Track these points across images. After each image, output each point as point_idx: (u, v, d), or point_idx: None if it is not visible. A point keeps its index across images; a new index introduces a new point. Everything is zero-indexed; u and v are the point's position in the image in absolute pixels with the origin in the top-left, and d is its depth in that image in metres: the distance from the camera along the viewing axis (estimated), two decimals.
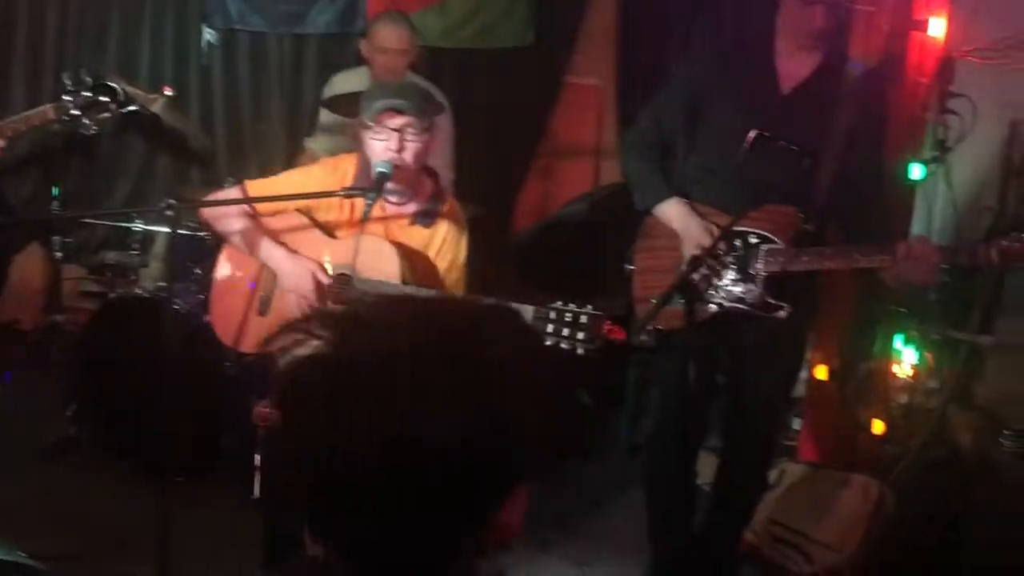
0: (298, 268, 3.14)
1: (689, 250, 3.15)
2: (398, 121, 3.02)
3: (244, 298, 3.28)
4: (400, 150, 3.02)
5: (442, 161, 4.65)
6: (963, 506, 3.42)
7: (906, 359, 4.08)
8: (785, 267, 3.07)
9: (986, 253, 2.91)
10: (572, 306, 2.82)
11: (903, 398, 4.11)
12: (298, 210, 3.24)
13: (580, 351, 2.84)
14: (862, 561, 3.60)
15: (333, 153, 4.55)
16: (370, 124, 3.04)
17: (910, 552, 3.60)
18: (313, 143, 4.86)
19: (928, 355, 4.04)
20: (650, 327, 2.88)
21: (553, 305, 2.84)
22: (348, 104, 4.38)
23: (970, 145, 3.88)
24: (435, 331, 1.09)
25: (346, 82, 4.69)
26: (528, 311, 2.91)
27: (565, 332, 2.82)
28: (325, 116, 4.81)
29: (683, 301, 2.92)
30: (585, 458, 4.60)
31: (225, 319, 3.32)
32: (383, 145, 3.02)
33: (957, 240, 3.88)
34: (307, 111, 5.32)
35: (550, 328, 2.84)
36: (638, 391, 4.62)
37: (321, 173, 3.25)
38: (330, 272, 3.16)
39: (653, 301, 2.96)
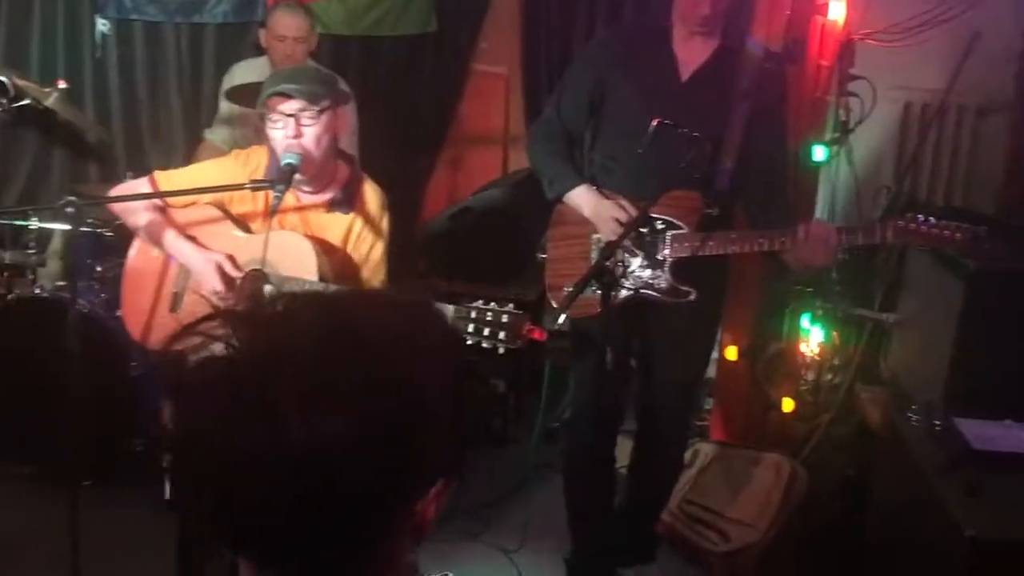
0: (204, 262, 3.07)
1: (605, 233, 3.16)
2: (291, 106, 2.96)
3: (155, 293, 3.19)
4: (297, 136, 2.95)
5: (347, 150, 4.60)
6: (869, 480, 3.51)
7: (813, 338, 4.17)
8: (691, 252, 3.11)
9: (882, 233, 2.98)
10: (493, 305, 2.83)
11: (811, 376, 4.21)
12: (211, 203, 3.16)
13: (501, 350, 2.85)
14: (776, 537, 3.67)
15: (233, 145, 4.49)
16: (266, 112, 2.99)
17: (821, 526, 3.69)
18: (212, 134, 4.77)
19: (834, 333, 4.14)
20: (565, 315, 2.88)
21: (474, 304, 2.84)
22: (247, 95, 4.29)
23: (869, 126, 3.98)
24: (340, 328, 1.06)
25: (245, 72, 4.60)
26: (449, 310, 2.90)
27: (486, 331, 2.82)
28: (225, 107, 4.72)
29: (597, 289, 2.92)
30: (501, 445, 4.62)
31: (135, 313, 3.23)
32: (281, 133, 2.97)
33: (857, 220, 3.98)
34: (206, 102, 5.20)
35: (471, 328, 2.83)
36: (553, 377, 4.63)
37: (233, 165, 3.17)
38: (242, 266, 3.10)
39: (567, 289, 2.97)
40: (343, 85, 4.41)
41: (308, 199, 3.14)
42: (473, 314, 2.83)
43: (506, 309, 2.81)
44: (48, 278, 4.34)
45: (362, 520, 1.04)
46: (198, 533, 3.29)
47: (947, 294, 3.35)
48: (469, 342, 2.85)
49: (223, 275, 3.06)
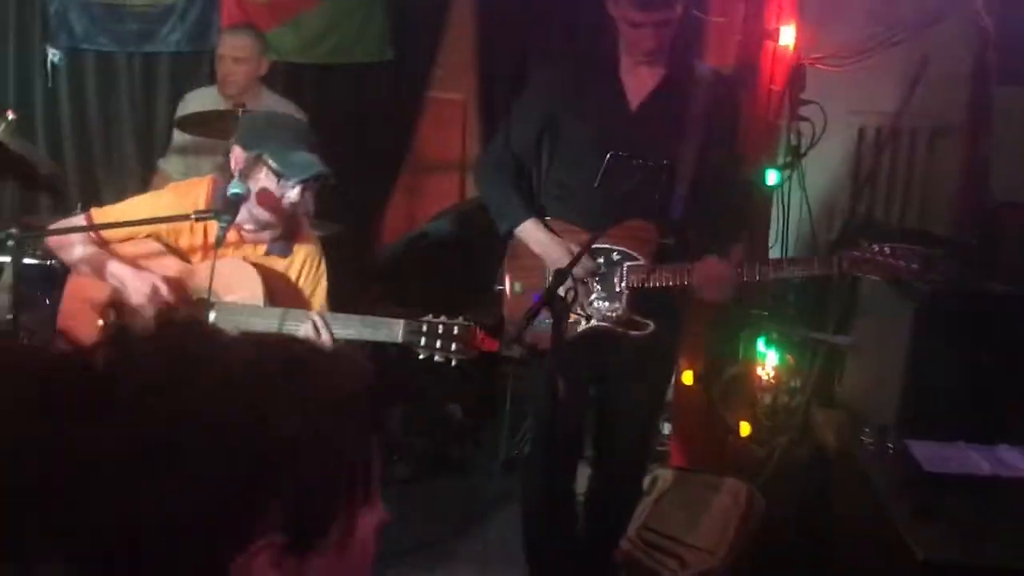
0: (138, 280, 3.02)
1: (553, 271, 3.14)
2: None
3: (93, 326, 3.13)
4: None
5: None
6: (826, 503, 3.50)
7: (769, 361, 4.17)
8: (646, 283, 3.09)
9: (839, 265, 2.97)
10: (443, 317, 2.82)
11: (767, 399, 4.21)
12: (149, 236, 3.12)
13: (454, 362, 2.84)
14: (733, 562, 3.65)
15: (187, 174, 4.45)
16: (273, 165, 2.97)
17: (779, 550, 3.67)
18: (167, 164, 4.72)
19: (789, 356, 4.14)
20: (521, 343, 2.86)
21: (423, 318, 2.83)
22: (199, 123, 4.27)
23: (823, 151, 4.00)
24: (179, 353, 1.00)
25: (198, 101, 4.57)
26: (399, 325, 2.88)
27: (438, 344, 2.82)
28: (178, 136, 4.68)
29: (550, 319, 2.89)
30: (458, 473, 4.58)
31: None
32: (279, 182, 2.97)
33: (810, 243, 4.00)
34: (160, 132, 5.16)
35: (423, 341, 2.83)
36: (512, 404, 4.61)
37: (171, 198, 3.14)
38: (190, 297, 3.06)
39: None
40: (298, 113, 4.41)
41: (249, 236, 3.11)
42: (424, 328, 2.83)
43: (456, 321, 2.82)
44: None
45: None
46: None
47: (898, 317, 3.36)
48: (422, 356, 2.84)
49: (155, 294, 3.01)
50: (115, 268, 3.06)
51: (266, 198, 2.97)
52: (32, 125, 5.21)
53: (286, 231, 3.15)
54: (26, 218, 4.93)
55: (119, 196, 3.39)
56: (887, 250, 2.92)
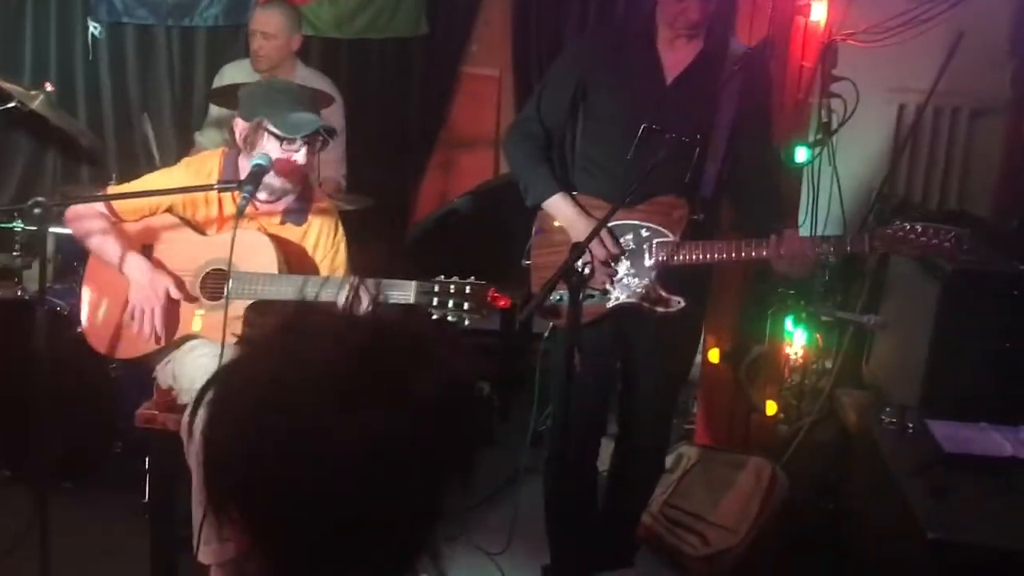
0: (148, 282, 3.08)
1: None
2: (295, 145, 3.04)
3: (119, 305, 3.19)
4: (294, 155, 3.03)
5: (334, 155, 4.62)
6: (847, 482, 3.49)
7: (796, 340, 4.13)
8: (675, 260, 3.08)
9: (870, 243, 2.95)
10: (455, 278, 2.84)
11: (794, 379, 4.18)
12: (167, 211, 3.17)
13: (467, 322, 2.85)
14: (755, 541, 3.64)
15: (222, 147, 4.50)
16: (264, 128, 3.01)
17: (801, 530, 3.66)
18: (202, 137, 4.78)
19: (817, 336, 4.11)
20: (531, 313, 2.87)
21: (435, 279, 2.85)
22: (230, 96, 4.31)
23: (858, 129, 3.94)
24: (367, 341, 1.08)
25: (234, 73, 4.62)
26: (411, 286, 2.90)
27: (451, 304, 2.84)
28: (214, 110, 4.74)
29: (563, 293, 2.90)
30: (486, 447, 4.60)
31: (98, 327, 3.23)
32: (277, 146, 3.00)
33: (841, 222, 3.96)
34: (197, 105, 5.21)
35: (435, 302, 2.85)
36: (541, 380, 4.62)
37: (184, 173, 3.19)
38: (204, 269, 3.11)
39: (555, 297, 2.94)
40: (331, 88, 4.44)
41: (263, 207, 3.15)
42: (436, 288, 2.86)
43: (468, 281, 2.84)
44: (33, 281, 4.34)
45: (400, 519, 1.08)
46: (173, 535, 3.31)
47: (924, 296, 3.32)
48: (435, 316, 2.86)
49: (168, 300, 3.08)
50: (128, 259, 3.12)
51: (283, 165, 3.01)
52: (73, 97, 5.30)
53: (301, 200, 3.18)
54: (65, 188, 5.03)
55: (155, 168, 3.45)
56: (919, 228, 2.89)
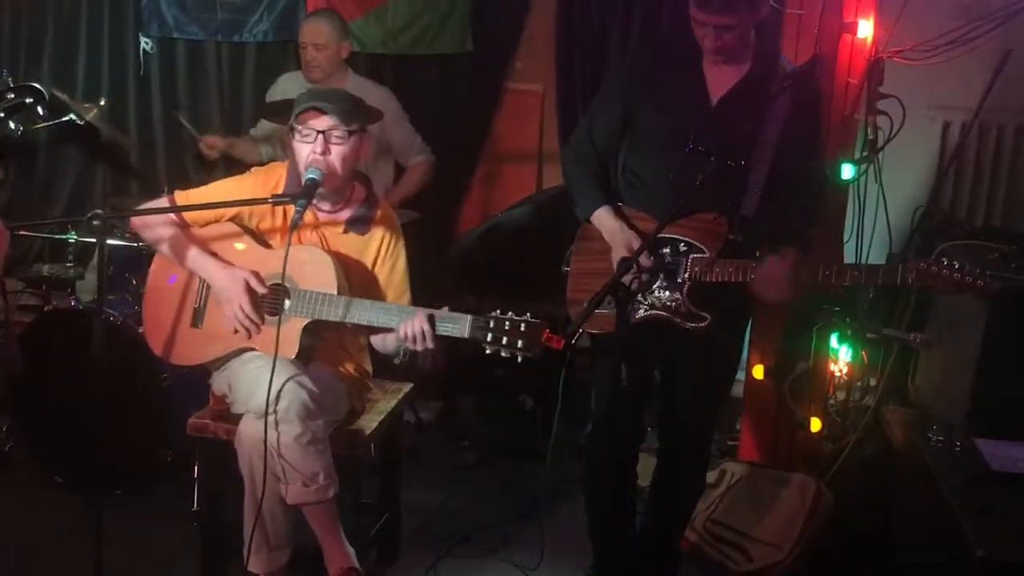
0: (229, 278, 3.13)
1: (618, 259, 3.16)
2: (323, 122, 3.04)
3: (177, 309, 3.25)
4: (324, 152, 3.03)
5: (384, 167, 4.68)
6: (892, 500, 3.48)
7: (841, 357, 4.13)
8: (707, 277, 3.09)
9: (902, 275, 2.88)
10: (511, 314, 2.86)
11: (839, 395, 4.17)
12: (231, 219, 3.23)
13: (519, 359, 2.87)
14: (799, 558, 3.64)
15: (274, 158, 4.57)
16: (297, 126, 3.06)
17: (845, 547, 3.65)
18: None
19: (863, 353, 4.10)
20: (581, 330, 2.89)
21: (492, 315, 2.87)
22: (280, 110, 4.39)
23: (902, 145, 3.93)
24: None
25: (285, 86, 4.69)
26: (466, 321, 2.93)
27: (504, 340, 2.86)
28: (262, 125, 4.81)
29: (614, 305, 2.93)
30: (530, 461, 4.62)
31: (157, 329, 3.29)
32: (309, 147, 3.03)
33: (888, 245, 3.96)
34: (247, 120, 5.28)
35: (489, 337, 2.87)
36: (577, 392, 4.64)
37: (252, 182, 3.25)
38: (265, 281, 3.15)
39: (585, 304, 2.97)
40: (382, 93, 4.52)
41: (325, 217, 3.20)
42: (491, 324, 2.87)
43: (523, 319, 2.85)
44: (86, 291, 4.43)
45: None
46: (223, 544, 3.36)
47: (972, 314, 3.31)
48: (488, 351, 2.89)
49: (249, 292, 3.12)
50: (201, 261, 3.17)
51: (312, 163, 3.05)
52: (125, 111, 5.40)
53: (366, 207, 3.21)
54: (115, 200, 5.12)
55: (205, 180, 3.52)
56: (955, 264, 2.81)
